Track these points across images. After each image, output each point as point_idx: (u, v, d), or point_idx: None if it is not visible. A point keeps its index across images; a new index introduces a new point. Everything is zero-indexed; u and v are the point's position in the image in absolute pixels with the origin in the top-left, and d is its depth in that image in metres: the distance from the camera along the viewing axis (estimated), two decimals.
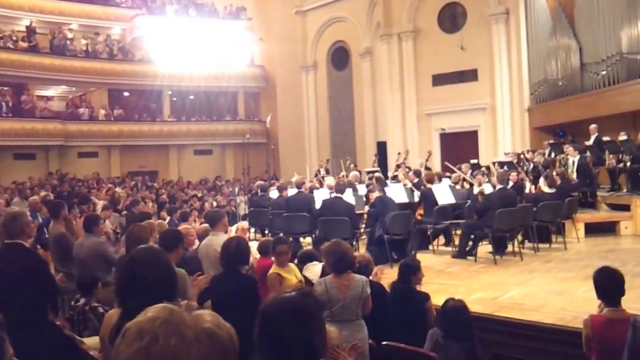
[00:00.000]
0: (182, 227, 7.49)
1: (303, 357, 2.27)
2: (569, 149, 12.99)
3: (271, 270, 5.42)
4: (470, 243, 9.55)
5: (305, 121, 26.69)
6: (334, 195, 9.67)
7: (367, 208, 10.51)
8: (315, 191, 11.58)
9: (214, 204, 15.59)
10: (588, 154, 12.95)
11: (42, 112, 23.20)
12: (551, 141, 15.72)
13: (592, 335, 3.89)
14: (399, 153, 18.03)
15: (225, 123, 26.93)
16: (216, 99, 27.61)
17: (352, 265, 4.62)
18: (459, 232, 10.42)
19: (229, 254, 4.77)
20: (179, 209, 12.69)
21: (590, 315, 3.99)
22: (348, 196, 10.11)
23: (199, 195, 18.92)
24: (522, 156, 14.67)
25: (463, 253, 9.46)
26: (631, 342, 3.19)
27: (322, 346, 2.33)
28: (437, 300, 6.43)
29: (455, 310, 4.78)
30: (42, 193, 14.04)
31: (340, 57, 25.91)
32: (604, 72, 15.70)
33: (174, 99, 26.97)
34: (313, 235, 9.96)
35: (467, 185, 12.22)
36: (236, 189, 18.30)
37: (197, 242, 6.83)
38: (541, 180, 10.87)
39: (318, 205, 9.94)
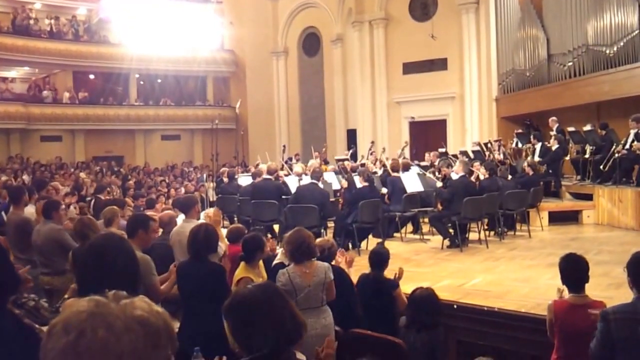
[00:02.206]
0: (147, 213, 7.38)
1: (280, 341, 2.27)
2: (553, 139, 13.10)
3: (242, 274, 5.15)
4: (452, 230, 9.58)
5: (276, 107, 26.54)
6: (309, 181, 9.61)
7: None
8: (286, 178, 11.52)
9: (182, 190, 15.42)
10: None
11: (3, 94, 22.65)
12: (519, 131, 15.92)
13: (555, 320, 3.96)
14: (372, 142, 18.01)
15: (194, 108, 26.61)
16: (185, 83, 27.27)
17: (311, 254, 4.61)
18: (426, 219, 10.55)
19: (196, 241, 4.72)
20: (144, 195, 12.52)
21: (554, 301, 4.06)
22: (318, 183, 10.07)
23: (166, 181, 18.72)
24: (488, 145, 14.82)
25: (454, 242, 9.48)
26: (603, 333, 3.24)
27: (296, 331, 2.33)
28: (406, 288, 6.49)
29: (421, 298, 4.81)
30: (3, 178, 13.71)
31: (311, 43, 25.77)
32: (570, 64, 15.92)
33: (142, 82, 26.57)
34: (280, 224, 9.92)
35: (428, 174, 12.30)
36: (204, 175, 18.14)
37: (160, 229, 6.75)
38: (481, 168, 10.92)
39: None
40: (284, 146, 21.13)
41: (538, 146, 12.96)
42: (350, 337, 4.74)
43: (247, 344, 2.28)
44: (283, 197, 10.02)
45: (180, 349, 1.33)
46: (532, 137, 14.08)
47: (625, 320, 3.18)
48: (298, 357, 2.39)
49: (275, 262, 5.42)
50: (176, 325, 3.91)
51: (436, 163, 13.15)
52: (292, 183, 10.62)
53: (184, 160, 25.39)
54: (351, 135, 22.78)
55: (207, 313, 4.32)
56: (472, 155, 14.09)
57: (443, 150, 15.76)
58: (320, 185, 9.83)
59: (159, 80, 26.72)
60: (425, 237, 10.35)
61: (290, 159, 17.86)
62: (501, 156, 13.55)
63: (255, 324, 2.24)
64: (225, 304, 2.41)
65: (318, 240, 5.64)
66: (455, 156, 14.55)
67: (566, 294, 4.06)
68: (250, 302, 2.31)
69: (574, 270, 4.00)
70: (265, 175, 10.43)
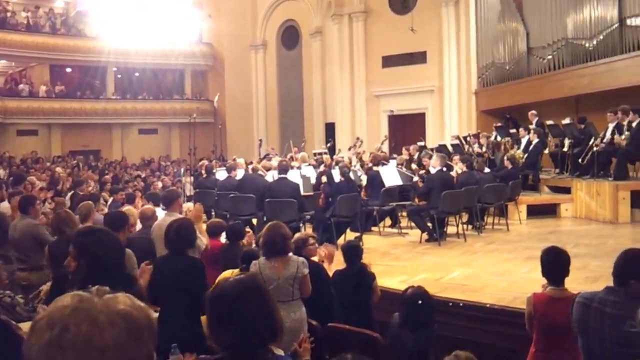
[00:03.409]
0: (125, 208, 7.30)
1: (265, 333, 2.23)
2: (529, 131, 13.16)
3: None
4: (430, 224, 9.58)
5: (254, 101, 26.41)
6: (278, 176, 9.54)
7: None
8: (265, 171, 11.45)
9: (160, 184, 15.28)
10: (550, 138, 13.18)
11: None
12: (498, 124, 15.99)
13: (534, 313, 3.95)
14: (357, 138, 17.92)
15: (171, 102, 26.41)
16: (163, 77, 27.04)
17: (285, 250, 4.59)
18: (405, 213, 10.55)
19: (169, 236, 4.65)
20: (121, 189, 12.35)
21: (534, 293, 4.06)
22: (295, 177, 10.01)
23: (143, 175, 18.52)
24: (467, 139, 14.87)
25: (432, 236, 9.48)
26: (581, 318, 3.28)
27: (275, 327, 2.29)
28: (383, 282, 6.49)
29: (416, 296, 4.77)
30: None
31: (290, 36, 25.65)
32: (550, 57, 16.01)
33: (119, 76, 26.26)
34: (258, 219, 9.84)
35: (414, 167, 12.30)
36: (182, 170, 18.00)
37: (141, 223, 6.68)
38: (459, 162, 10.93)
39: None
40: (260, 140, 21.02)
41: (528, 139, 13.00)
42: (328, 332, 4.71)
43: (223, 339, 2.24)
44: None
45: (158, 345, 1.32)
46: (517, 130, 14.15)
47: (582, 304, 3.28)
48: (276, 353, 2.35)
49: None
50: None
51: (415, 156, 13.15)
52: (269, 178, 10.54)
53: (162, 154, 25.19)
54: (330, 129, 22.75)
55: (185, 309, 4.27)
56: (451, 149, 14.12)
57: (422, 143, 15.78)
58: (299, 178, 9.80)
59: (137, 74, 26.45)
60: (404, 231, 10.36)
61: (269, 153, 17.79)
62: (481, 149, 13.60)
63: (232, 319, 2.20)
64: (205, 297, 2.39)
65: (296, 234, 5.61)
66: (433, 149, 14.59)
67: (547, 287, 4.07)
68: (229, 296, 2.27)
69: (555, 263, 4.00)
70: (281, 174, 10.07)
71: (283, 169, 9.47)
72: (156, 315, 4.09)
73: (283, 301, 4.38)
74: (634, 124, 10.70)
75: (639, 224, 10.10)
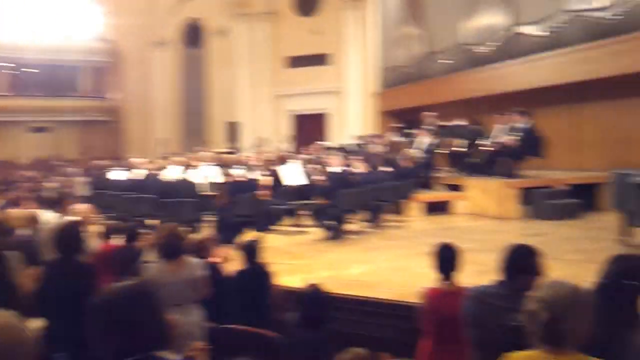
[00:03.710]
0: (11, 210, 6.93)
1: (155, 340, 2.17)
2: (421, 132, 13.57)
3: None
4: (331, 222, 9.66)
5: (155, 100, 25.74)
6: (179, 175, 9.39)
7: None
8: (163, 171, 11.21)
9: (51, 185, 14.59)
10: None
11: None
12: (397, 125, 16.43)
13: (427, 307, 4.08)
14: (261, 138, 17.84)
15: (65, 99, 25.24)
16: (57, 73, 25.79)
17: (180, 252, 4.53)
18: (306, 212, 10.64)
19: (61, 239, 4.46)
20: (9, 190, 11.72)
21: (427, 288, 4.17)
22: (196, 177, 9.87)
23: (33, 176, 17.61)
24: (368, 139, 15.20)
25: (333, 234, 9.56)
26: (472, 311, 3.36)
27: (171, 327, 2.25)
28: (284, 280, 6.50)
29: (312, 295, 4.79)
30: None
31: (194, 34, 25.23)
32: (447, 61, 16.67)
33: (11, 71, 24.86)
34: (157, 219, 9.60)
35: (316, 166, 12.42)
36: (75, 170, 17.28)
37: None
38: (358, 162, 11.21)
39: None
40: (159, 139, 20.56)
41: (424, 140, 13.38)
42: (226, 333, 4.67)
43: (110, 348, 2.15)
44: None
45: (45, 354, 1.25)
46: (415, 131, 14.58)
47: (472, 298, 3.37)
48: (169, 358, 2.29)
49: None
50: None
51: (322, 155, 13.31)
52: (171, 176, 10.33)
53: (54, 154, 24.04)
54: (233, 129, 22.59)
55: (73, 315, 4.09)
56: (352, 149, 14.38)
57: (324, 143, 15.97)
58: (201, 179, 9.68)
59: (30, 70, 25.10)
60: (305, 229, 10.43)
61: (168, 153, 17.41)
62: (381, 149, 13.93)
63: (120, 326, 2.12)
64: (90, 304, 2.27)
65: (193, 236, 5.53)
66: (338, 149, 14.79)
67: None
68: (117, 302, 2.18)
69: (446, 258, 4.14)
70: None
71: (185, 168, 9.34)
72: (39, 324, 3.91)
73: (179, 305, 4.32)
74: (521, 125, 11.30)
75: (524, 219, 10.69)
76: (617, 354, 2.69)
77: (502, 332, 3.11)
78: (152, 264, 4.49)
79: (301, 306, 4.75)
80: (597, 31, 11.84)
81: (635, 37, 11.03)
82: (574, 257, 7.28)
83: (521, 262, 3.30)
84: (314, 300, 4.72)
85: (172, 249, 4.47)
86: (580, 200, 10.77)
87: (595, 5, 11.91)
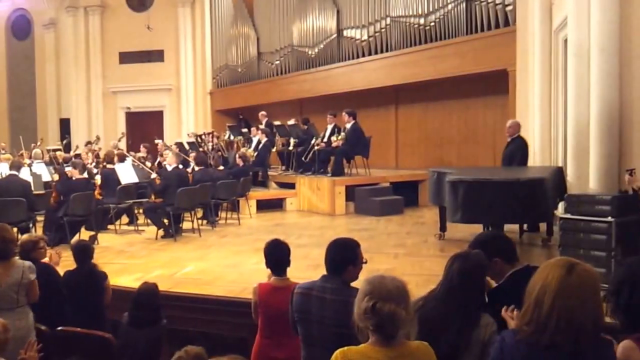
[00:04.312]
0: None
1: None
2: (257, 131, 13.88)
3: None
4: (166, 221, 9.65)
5: None
6: (8, 173, 8.86)
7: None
8: None
9: None
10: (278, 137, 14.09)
11: None
12: (230, 124, 16.69)
13: (259, 302, 4.19)
14: (97, 137, 17.03)
15: None
16: None
17: (7, 254, 4.46)
18: (141, 211, 10.56)
19: None
20: None
21: (259, 284, 4.29)
22: (25, 174, 9.39)
23: None
24: (203, 137, 15.30)
25: (168, 232, 9.56)
26: (290, 303, 3.54)
27: None
28: (118, 280, 6.49)
29: (142, 294, 4.85)
30: None
31: (21, 25, 23.50)
32: (277, 62, 17.24)
33: None
34: None
35: (148, 164, 12.35)
36: None
37: None
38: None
39: None
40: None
41: (255, 139, 13.77)
42: (58, 336, 4.65)
43: None
44: None
45: None
46: (249, 130, 14.90)
47: (302, 295, 3.48)
48: None
49: None
50: None
51: (158, 153, 13.21)
52: None
53: None
54: (65, 125, 21.49)
55: None
56: (187, 147, 14.40)
57: (160, 141, 15.81)
58: (29, 176, 9.24)
59: None
60: (140, 228, 10.36)
61: None
62: (215, 147, 14.10)
63: None
64: None
65: (24, 236, 5.39)
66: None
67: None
68: None
69: (275, 254, 4.26)
70: None
71: (15, 166, 8.86)
72: None
73: (6, 309, 4.26)
74: (348, 126, 12.03)
75: (352, 215, 11.41)
76: (463, 349, 2.91)
77: (333, 324, 3.24)
78: None
79: (132, 305, 4.84)
80: (415, 37, 12.89)
81: (449, 43, 12.13)
82: (397, 251, 7.91)
83: (347, 255, 3.42)
84: (144, 299, 4.83)
85: (1, 250, 4.39)
86: (403, 196, 11.67)
87: (414, 12, 12.85)
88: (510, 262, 3.36)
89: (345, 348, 2.47)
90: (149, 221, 10.18)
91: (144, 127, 19.99)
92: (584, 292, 2.16)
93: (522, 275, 3.02)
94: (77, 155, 13.25)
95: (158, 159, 13.08)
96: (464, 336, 2.90)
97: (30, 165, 10.83)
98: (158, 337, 4.74)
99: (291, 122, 13.68)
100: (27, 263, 4.59)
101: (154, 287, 4.95)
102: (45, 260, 5.32)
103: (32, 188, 8.88)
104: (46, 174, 10.70)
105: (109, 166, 10.58)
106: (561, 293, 2.14)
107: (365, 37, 14.23)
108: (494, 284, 3.39)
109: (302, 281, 3.65)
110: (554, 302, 2.14)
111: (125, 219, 10.85)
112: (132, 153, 13.52)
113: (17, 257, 4.71)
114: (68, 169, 9.84)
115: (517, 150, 8.48)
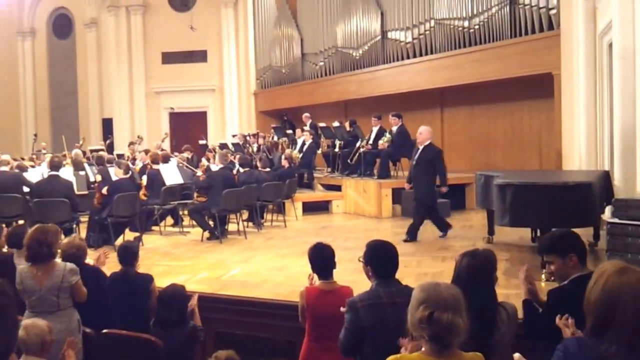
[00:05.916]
0: None
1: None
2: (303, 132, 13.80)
3: None
4: (211, 222, 9.56)
5: (21, 92, 24.16)
6: (49, 173, 8.86)
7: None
8: (30, 169, 10.58)
9: None
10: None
11: None
12: (276, 125, 16.60)
13: (306, 306, 4.14)
14: (139, 137, 17.19)
15: None
16: None
17: (49, 256, 4.39)
18: (186, 212, 10.50)
19: None
20: None
21: (306, 287, 4.25)
22: (68, 175, 9.40)
23: None
24: (247, 138, 15.24)
25: (214, 234, 9.46)
26: (353, 322, 3.37)
27: (12, 339, 2.19)
28: (165, 282, 6.38)
29: (168, 295, 4.75)
30: None
31: (62, 25, 23.90)
32: (322, 63, 17.09)
33: None
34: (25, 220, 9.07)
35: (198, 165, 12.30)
36: None
37: None
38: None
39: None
40: (35, 135, 19.34)
41: (300, 140, 13.66)
42: (103, 339, 4.56)
43: None
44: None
45: None
46: (293, 131, 14.79)
47: (372, 306, 3.37)
48: None
49: None
50: None
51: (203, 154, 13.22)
52: (36, 175, 9.78)
53: None
54: (107, 125, 21.70)
55: None
56: (232, 148, 14.35)
57: (203, 142, 15.83)
58: (72, 176, 9.26)
59: None
60: (185, 229, 10.30)
61: (40, 151, 16.48)
62: (260, 148, 14.01)
63: None
64: None
65: (66, 239, 5.30)
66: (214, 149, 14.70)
67: (317, 281, 4.31)
68: None
69: (320, 258, 4.22)
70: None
71: (55, 166, 8.82)
72: None
73: (47, 312, 4.21)
74: (394, 129, 11.81)
75: (399, 218, 11.17)
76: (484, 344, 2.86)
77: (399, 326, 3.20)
78: (21, 268, 4.31)
79: (158, 306, 4.73)
80: (460, 40, 12.66)
81: (493, 46, 11.90)
82: (444, 254, 7.64)
83: (390, 261, 3.50)
84: (170, 300, 4.71)
85: (37, 254, 4.33)
86: (450, 199, 11.38)
87: (458, 15, 12.69)
88: (582, 261, 3.34)
89: (398, 355, 2.45)
90: (193, 223, 10.10)
91: (187, 127, 20.09)
92: None
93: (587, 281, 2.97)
94: (121, 155, 13.31)
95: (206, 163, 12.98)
96: (480, 342, 2.79)
97: (90, 164, 10.94)
98: (186, 338, 4.61)
99: (336, 123, 13.52)
100: (70, 265, 4.50)
101: (180, 288, 4.85)
102: (89, 262, 5.23)
103: (76, 189, 8.87)
104: (91, 175, 10.72)
105: (153, 167, 10.56)
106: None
107: (409, 39, 14.04)
108: None
109: (349, 284, 3.72)
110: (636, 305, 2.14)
111: (170, 220, 10.82)
112: (175, 154, 13.53)
113: (58, 259, 4.63)
114: (113, 170, 9.83)
115: (435, 156, 8.87)
